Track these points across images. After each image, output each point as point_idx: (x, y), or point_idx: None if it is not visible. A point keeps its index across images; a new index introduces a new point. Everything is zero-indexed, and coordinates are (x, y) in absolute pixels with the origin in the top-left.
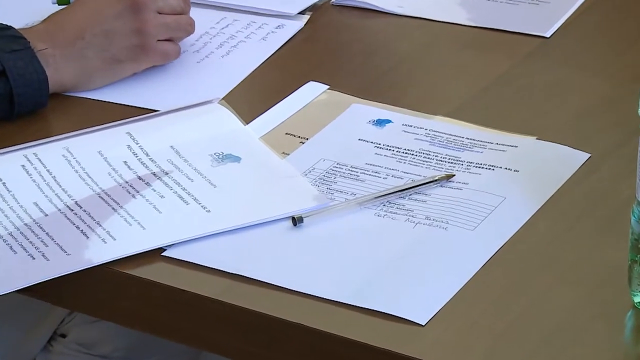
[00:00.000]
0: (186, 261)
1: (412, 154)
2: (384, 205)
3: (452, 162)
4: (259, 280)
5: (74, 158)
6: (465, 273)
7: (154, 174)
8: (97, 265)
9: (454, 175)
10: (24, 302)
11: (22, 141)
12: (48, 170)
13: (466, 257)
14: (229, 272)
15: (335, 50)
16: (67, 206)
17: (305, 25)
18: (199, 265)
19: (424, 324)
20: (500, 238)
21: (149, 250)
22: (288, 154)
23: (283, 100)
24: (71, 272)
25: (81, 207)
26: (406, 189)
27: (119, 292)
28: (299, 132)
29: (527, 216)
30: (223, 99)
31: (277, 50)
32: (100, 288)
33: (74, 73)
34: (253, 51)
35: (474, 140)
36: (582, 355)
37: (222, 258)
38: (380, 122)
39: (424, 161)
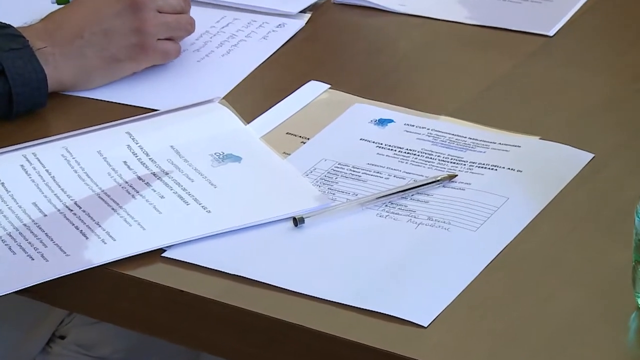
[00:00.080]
0: (186, 262)
1: (414, 154)
2: (386, 205)
3: (454, 162)
4: (260, 281)
5: (73, 158)
6: (468, 274)
7: (153, 174)
8: (97, 266)
9: (457, 175)
10: (23, 303)
11: (21, 141)
12: (47, 171)
13: (469, 258)
14: (229, 273)
15: (337, 49)
16: (67, 206)
17: (306, 24)
18: (199, 266)
19: (426, 326)
20: (503, 239)
21: (149, 251)
22: (289, 154)
23: (284, 100)
24: (70, 273)
25: (80, 208)
26: (408, 189)
27: (118, 293)
28: (300, 131)
29: (531, 217)
30: (223, 98)
31: (278, 49)
32: (99, 289)
33: (73, 72)
34: (254, 50)
35: (476, 140)
36: (585, 357)
37: (222, 259)
38: (382, 122)
39: (426, 161)
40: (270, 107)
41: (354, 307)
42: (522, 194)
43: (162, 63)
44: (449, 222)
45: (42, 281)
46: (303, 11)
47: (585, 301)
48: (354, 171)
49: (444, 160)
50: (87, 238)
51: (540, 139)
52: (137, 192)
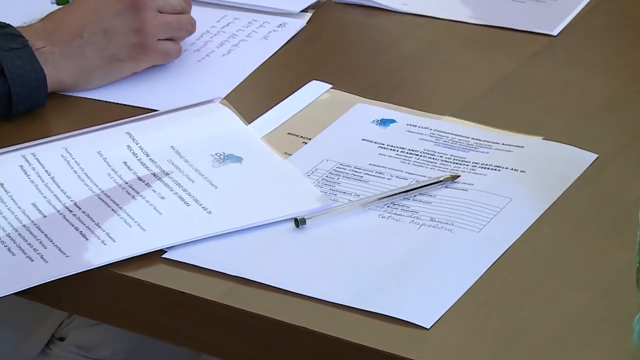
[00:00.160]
0: (187, 263)
1: (417, 155)
2: (388, 206)
3: (457, 163)
4: (261, 283)
5: (73, 158)
6: (471, 276)
7: (154, 174)
8: (97, 268)
9: (459, 176)
10: (22, 305)
11: (20, 141)
12: (47, 171)
13: (472, 259)
14: (230, 275)
15: (338, 48)
16: (66, 207)
17: (307, 23)
18: (200, 267)
19: (428, 328)
20: (506, 240)
21: (149, 252)
22: (290, 155)
23: (285, 100)
24: (70, 274)
25: (80, 209)
26: (411, 190)
27: (118, 295)
28: (301, 132)
29: (534, 218)
30: (224, 98)
31: (279, 49)
32: (99, 290)
33: (72, 72)
34: (254, 50)
35: (479, 140)
36: (589, 357)
37: (223, 260)
38: (384, 122)
39: (428, 162)
40: (272, 107)
41: (356, 308)
42: (525, 195)
43: (163, 63)
44: (451, 223)
45: (42, 282)
46: (304, 10)
47: (589, 302)
48: (355, 172)
49: (446, 161)
50: (86, 239)
51: (543, 139)
52: (137, 192)
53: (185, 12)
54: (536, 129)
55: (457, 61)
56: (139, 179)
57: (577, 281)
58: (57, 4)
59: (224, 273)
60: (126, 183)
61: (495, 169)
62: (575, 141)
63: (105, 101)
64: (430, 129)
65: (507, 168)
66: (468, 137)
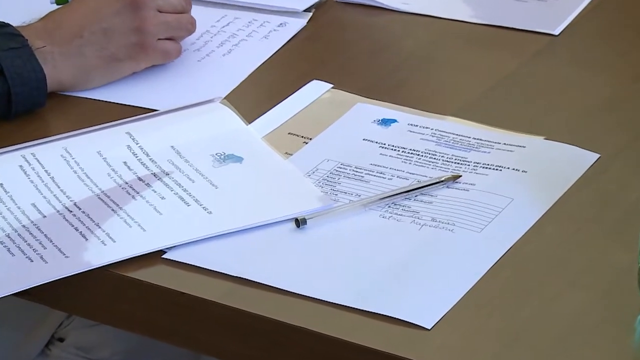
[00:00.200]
0: (187, 264)
1: (418, 155)
2: (389, 206)
3: (458, 163)
4: (261, 283)
5: (73, 158)
6: (472, 276)
7: (154, 174)
8: (97, 268)
9: (461, 176)
10: (22, 306)
11: (19, 141)
12: (46, 171)
13: (473, 259)
14: (230, 275)
15: (339, 48)
16: (66, 207)
17: (308, 22)
18: (200, 267)
19: (429, 328)
20: (508, 240)
21: (149, 253)
22: (291, 155)
23: (286, 100)
24: (70, 274)
25: (80, 209)
26: (412, 190)
27: (118, 295)
28: (302, 132)
29: (535, 218)
30: (224, 98)
31: (279, 49)
32: (99, 291)
33: (72, 71)
34: (255, 50)
35: (481, 140)
36: (590, 358)
37: (223, 260)
38: (386, 122)
39: (430, 162)
40: (272, 107)
41: (357, 309)
42: (527, 195)
43: (162, 63)
44: (453, 223)
45: (41, 283)
46: (305, 10)
47: (590, 302)
48: (356, 172)
49: (448, 161)
50: (86, 239)
51: (545, 139)
52: (138, 192)
53: (185, 12)
54: (538, 129)
55: (459, 61)
56: (139, 179)
57: (578, 281)
58: (57, 4)
59: (224, 273)
60: (126, 183)
61: (496, 169)
62: (577, 141)
63: (105, 101)
64: (432, 129)
65: (508, 168)
66: (469, 137)
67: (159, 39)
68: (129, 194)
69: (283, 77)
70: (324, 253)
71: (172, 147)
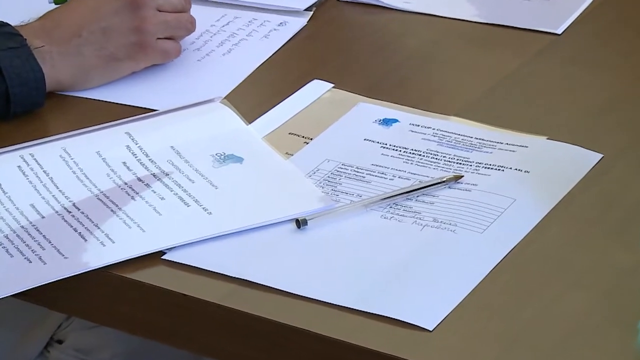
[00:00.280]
0: (187, 265)
1: (420, 155)
2: (391, 207)
3: (460, 163)
4: (262, 284)
5: (72, 159)
6: (474, 277)
7: (153, 175)
8: (96, 269)
9: (463, 176)
10: (20, 307)
11: (18, 141)
12: (45, 171)
13: (475, 260)
14: (231, 276)
15: (340, 47)
16: (65, 208)
17: (308, 22)
18: (200, 268)
19: (431, 330)
20: (510, 241)
21: (149, 254)
22: (292, 155)
23: (286, 99)
24: (69, 276)
25: (79, 209)
26: (413, 190)
27: (117, 297)
28: (302, 132)
29: (538, 218)
30: (224, 98)
31: (280, 48)
32: (98, 292)
33: (71, 71)
34: (255, 49)
35: (483, 140)
36: (593, 359)
37: (223, 261)
38: (387, 122)
39: (431, 162)
40: (273, 107)
41: (358, 310)
42: (529, 195)
43: (162, 62)
44: (455, 224)
45: (40, 284)
46: (305, 9)
47: (593, 303)
48: (357, 172)
49: (449, 161)
50: (85, 240)
51: (547, 139)
52: (137, 193)
53: (185, 11)
54: (540, 129)
55: (461, 60)
56: (139, 179)
57: (581, 282)
58: (55, 3)
59: (225, 275)
60: (125, 183)
61: (499, 169)
62: (579, 141)
63: (104, 101)
64: (433, 129)
65: (510, 168)
66: (471, 137)
67: (158, 39)
68: (129, 194)
69: (283, 77)
70: (324, 254)
71: (171, 147)
